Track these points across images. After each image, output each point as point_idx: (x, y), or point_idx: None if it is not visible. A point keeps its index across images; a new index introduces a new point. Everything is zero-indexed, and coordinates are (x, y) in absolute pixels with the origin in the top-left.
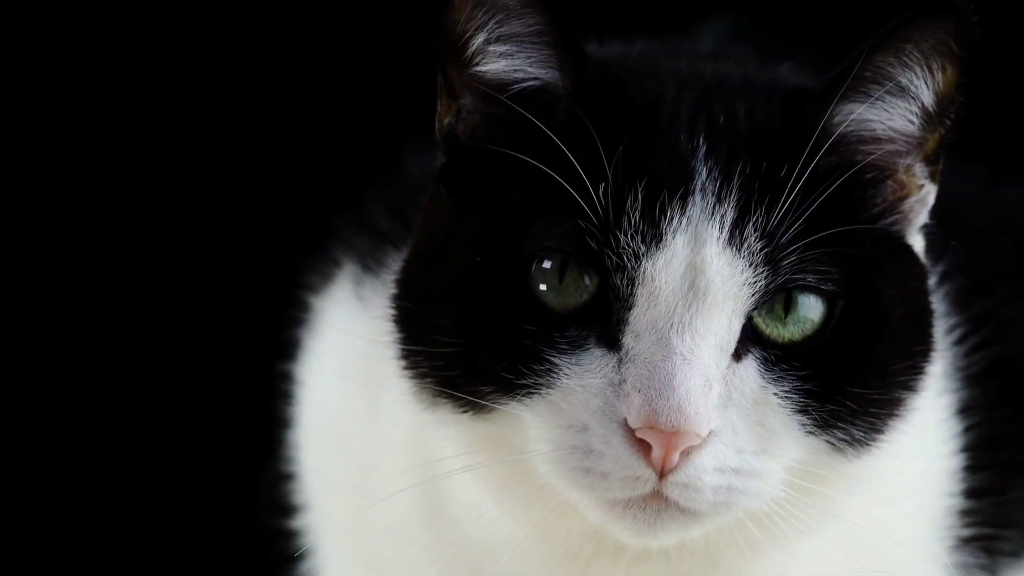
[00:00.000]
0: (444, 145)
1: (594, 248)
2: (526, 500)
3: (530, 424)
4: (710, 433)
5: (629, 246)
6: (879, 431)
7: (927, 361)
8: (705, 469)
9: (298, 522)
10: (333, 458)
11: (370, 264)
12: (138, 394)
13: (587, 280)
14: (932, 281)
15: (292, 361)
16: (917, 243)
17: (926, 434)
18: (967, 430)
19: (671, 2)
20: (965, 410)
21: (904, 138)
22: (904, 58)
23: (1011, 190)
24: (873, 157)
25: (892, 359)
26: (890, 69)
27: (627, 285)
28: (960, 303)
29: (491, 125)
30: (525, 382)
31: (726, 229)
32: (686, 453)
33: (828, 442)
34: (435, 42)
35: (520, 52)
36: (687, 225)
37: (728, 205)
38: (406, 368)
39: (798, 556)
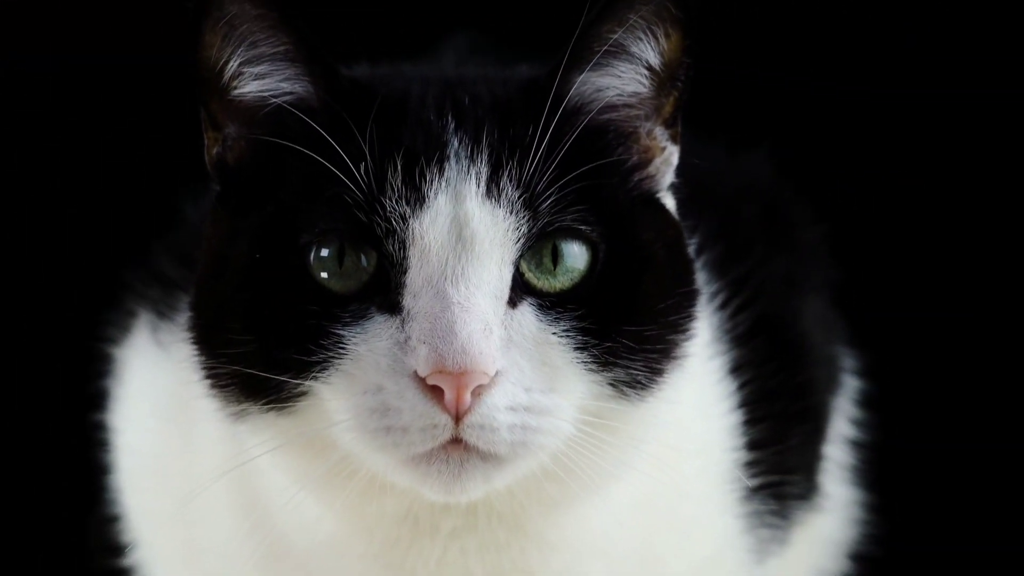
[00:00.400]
0: (215, 174)
1: (363, 220)
2: (340, 487)
3: (330, 401)
4: (497, 373)
5: (395, 210)
6: (657, 372)
7: (692, 305)
8: (497, 408)
9: (128, 560)
10: (154, 495)
11: (163, 311)
12: None
13: (364, 260)
14: (691, 250)
15: (103, 411)
16: (669, 202)
17: (704, 395)
18: (741, 387)
19: (409, 26)
20: (737, 368)
21: (639, 101)
22: (627, 25)
23: (750, 157)
24: (615, 118)
25: (659, 298)
26: (615, 36)
27: (399, 249)
28: (719, 269)
29: (256, 146)
30: (316, 359)
31: (483, 183)
32: (476, 394)
33: (611, 384)
34: (193, 80)
35: (273, 71)
36: (446, 185)
37: (481, 163)
38: (210, 384)
39: (596, 517)
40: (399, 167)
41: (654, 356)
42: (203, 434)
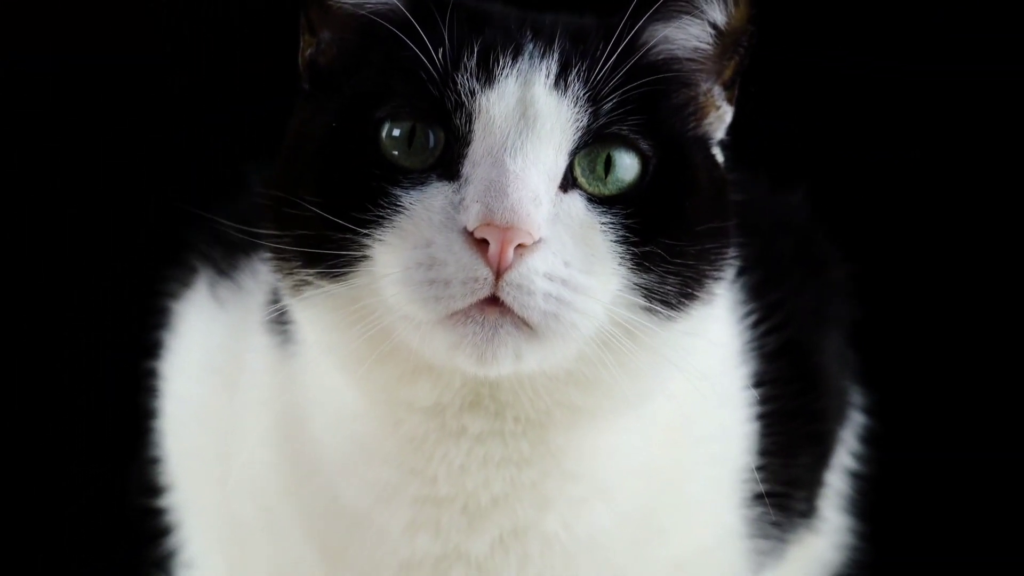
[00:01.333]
0: (306, 74)
1: (435, 94)
2: (378, 365)
3: (383, 258)
4: (540, 240)
5: (466, 84)
6: (686, 295)
7: (727, 242)
8: (536, 271)
9: (165, 501)
10: (195, 441)
11: (224, 269)
12: (26, 392)
13: (432, 139)
14: (733, 272)
15: (156, 359)
16: (719, 157)
17: (728, 394)
18: (763, 401)
19: None
20: (761, 384)
21: (702, 57)
22: None
23: (788, 197)
24: (679, 68)
25: (698, 221)
26: None
27: (465, 122)
28: (755, 292)
29: (347, 46)
30: (374, 216)
31: (552, 75)
32: (519, 254)
33: (643, 294)
34: None
35: None
36: (518, 72)
37: (552, 60)
38: (275, 256)
39: (610, 459)
40: (475, 51)
41: (686, 277)
42: (249, 367)
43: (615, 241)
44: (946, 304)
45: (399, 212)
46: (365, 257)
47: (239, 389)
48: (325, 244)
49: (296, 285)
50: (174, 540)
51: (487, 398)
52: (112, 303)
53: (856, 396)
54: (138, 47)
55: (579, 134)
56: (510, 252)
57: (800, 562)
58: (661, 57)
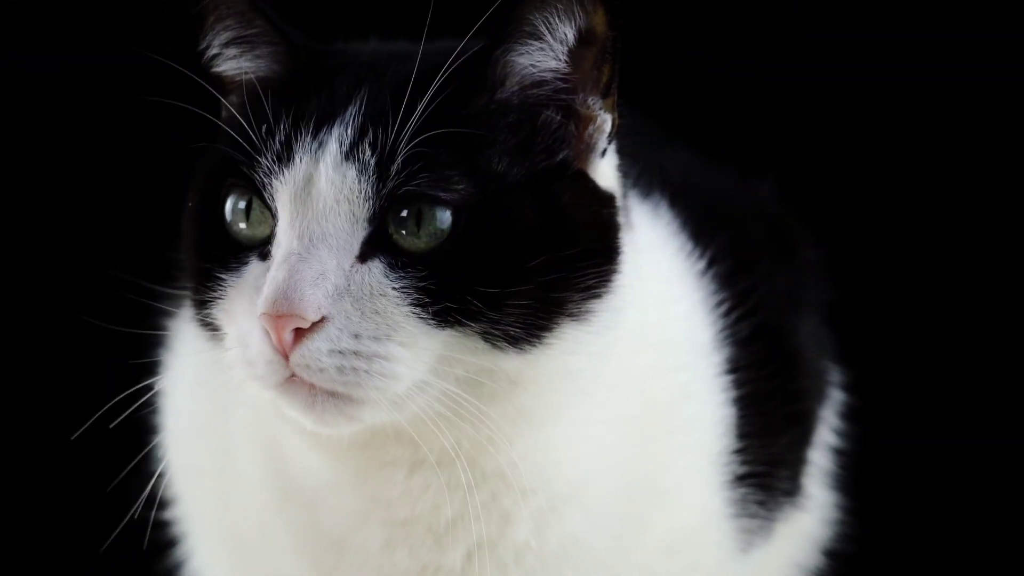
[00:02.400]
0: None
1: (246, 172)
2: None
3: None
4: (323, 319)
5: (267, 166)
6: (536, 329)
7: (583, 270)
8: (319, 351)
9: (169, 513)
10: (195, 454)
11: None
12: (25, 401)
13: (266, 214)
14: (702, 264)
15: (156, 377)
16: (604, 167)
17: (699, 383)
18: (739, 385)
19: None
20: (737, 369)
21: (564, 75)
22: (546, 8)
23: (756, 184)
24: (541, 96)
25: (525, 258)
26: (532, 19)
27: (271, 201)
28: (727, 281)
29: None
30: (208, 297)
31: (345, 145)
32: (300, 336)
33: (480, 337)
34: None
35: (241, 53)
36: (313, 146)
37: (352, 127)
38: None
39: (567, 463)
40: (284, 127)
41: (525, 314)
42: (239, 398)
43: (409, 303)
44: (918, 280)
45: (224, 296)
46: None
47: (231, 405)
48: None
49: (205, 336)
50: (180, 552)
51: (394, 432)
52: (112, 314)
53: (834, 374)
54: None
55: (373, 200)
56: (286, 337)
57: (788, 539)
58: (522, 87)
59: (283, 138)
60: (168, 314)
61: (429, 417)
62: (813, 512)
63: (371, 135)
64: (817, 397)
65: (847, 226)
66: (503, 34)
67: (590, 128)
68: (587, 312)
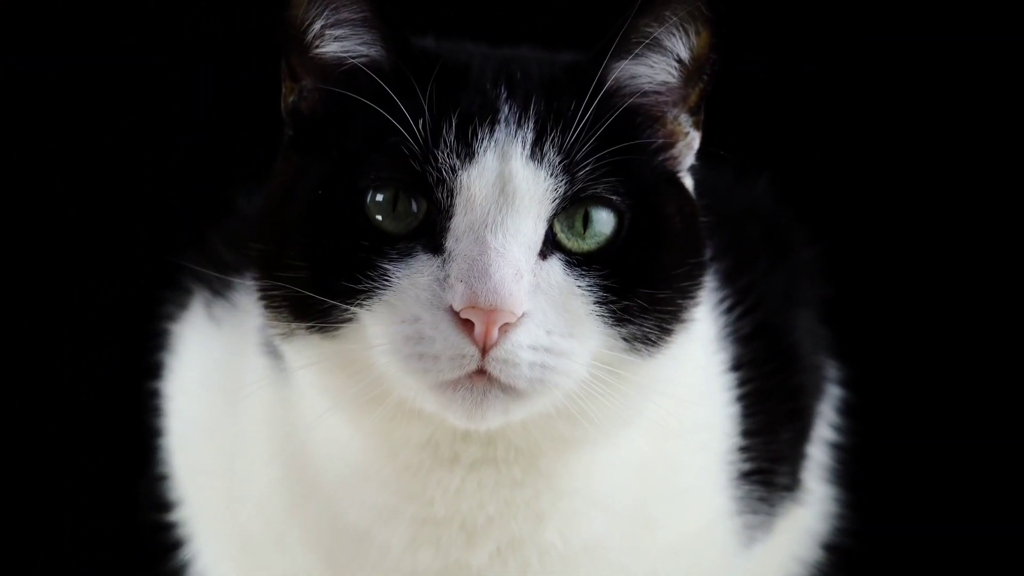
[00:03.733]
0: (290, 120)
1: (417, 169)
2: (371, 409)
3: (370, 327)
4: (523, 315)
5: (447, 161)
6: (666, 332)
7: (702, 274)
8: (521, 345)
9: (174, 516)
10: (200, 456)
11: (219, 289)
12: (28, 409)
13: (415, 206)
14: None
15: (158, 380)
16: (688, 182)
17: (708, 383)
18: (742, 383)
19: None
20: (739, 367)
21: (667, 90)
22: (664, 22)
23: (753, 185)
24: (646, 103)
25: (673, 265)
26: (651, 31)
27: (447, 197)
28: (727, 278)
29: (329, 98)
30: (363, 287)
31: (528, 145)
32: (503, 331)
33: (624, 338)
34: (278, 34)
35: (351, 35)
36: (495, 144)
37: (528, 128)
38: (266, 305)
39: (601, 471)
40: (453, 124)
41: (664, 317)
42: (250, 394)
43: (595, 303)
44: (913, 276)
45: (387, 287)
46: (354, 318)
47: (241, 405)
48: (313, 306)
49: (285, 332)
50: (185, 553)
51: (478, 431)
52: (111, 322)
53: (831, 370)
54: (138, 47)
55: (556, 201)
56: (495, 332)
57: (788, 533)
58: (629, 96)
59: (458, 133)
60: (169, 317)
61: (555, 412)
62: (812, 506)
63: (552, 136)
64: (815, 393)
65: (842, 224)
66: (621, 43)
67: (680, 144)
68: (691, 320)
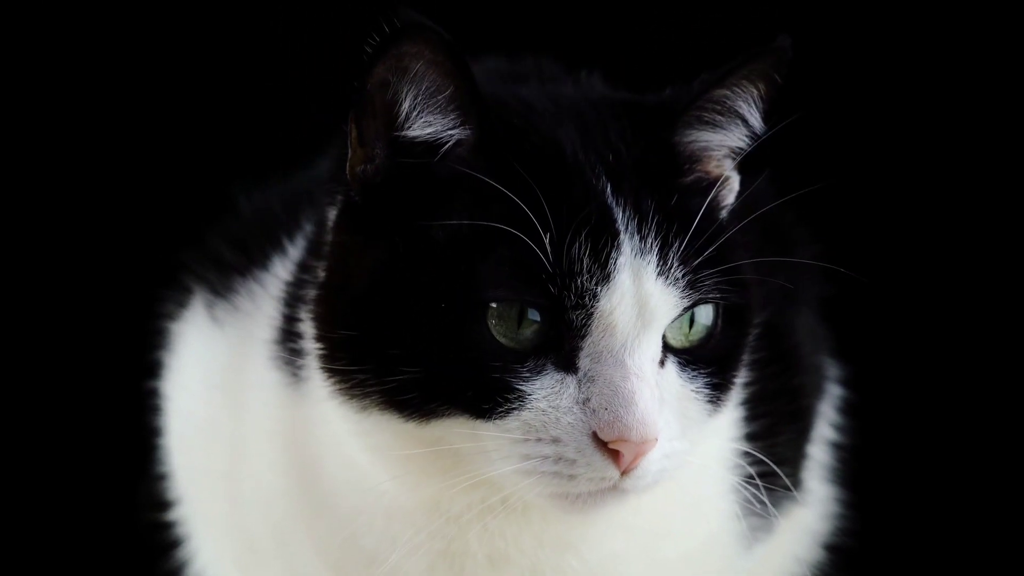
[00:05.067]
0: (359, 188)
1: (553, 293)
2: (434, 477)
3: (490, 437)
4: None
5: (586, 287)
6: (729, 395)
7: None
8: (653, 461)
9: (173, 515)
10: (200, 454)
11: (220, 290)
12: (27, 412)
13: (540, 318)
14: None
15: (157, 379)
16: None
17: None
18: (745, 386)
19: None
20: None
21: (735, 151)
22: (739, 91)
23: (754, 181)
24: (714, 168)
25: (749, 336)
26: (728, 101)
27: (582, 319)
28: None
29: (413, 174)
30: (500, 409)
31: (657, 262)
32: (644, 452)
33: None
34: (353, 99)
35: (441, 117)
36: (625, 263)
37: (652, 240)
38: (345, 387)
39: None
40: (585, 241)
41: (736, 384)
42: (253, 400)
43: (706, 401)
44: (913, 275)
45: (523, 408)
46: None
47: (244, 410)
48: (420, 405)
49: (358, 405)
50: (183, 552)
51: None
52: (111, 323)
53: (832, 369)
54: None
55: (678, 312)
56: (640, 460)
57: (788, 533)
58: (697, 160)
59: (592, 252)
60: (169, 316)
61: None
62: (812, 507)
63: (675, 246)
64: (816, 393)
65: (842, 222)
66: (692, 114)
67: (725, 189)
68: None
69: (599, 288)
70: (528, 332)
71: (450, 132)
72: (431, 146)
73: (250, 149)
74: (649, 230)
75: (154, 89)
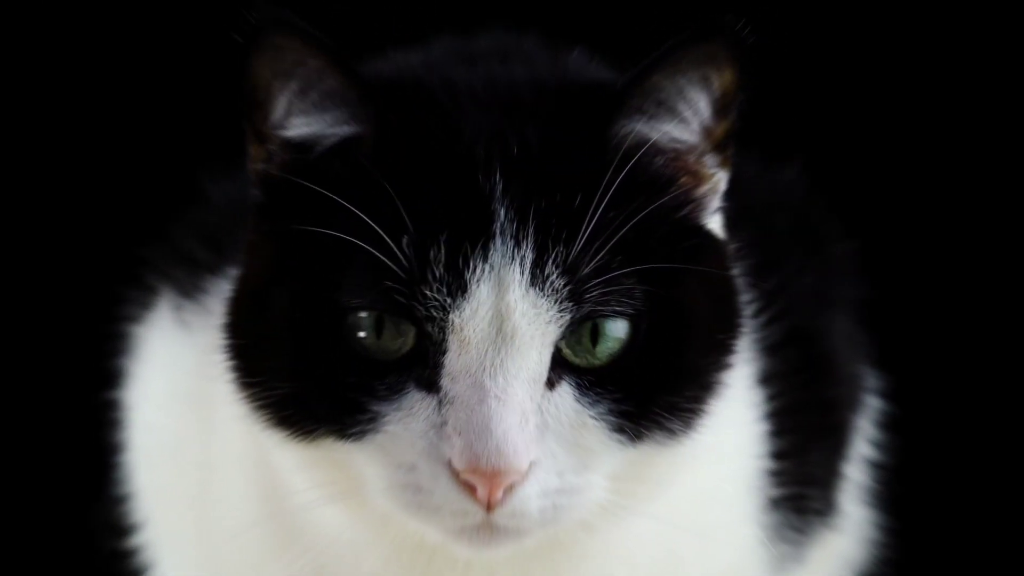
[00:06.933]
0: (260, 186)
1: (403, 302)
2: (361, 509)
3: (363, 459)
4: (531, 465)
5: (436, 299)
6: (698, 417)
7: (736, 339)
8: (529, 497)
9: (136, 540)
10: (167, 474)
11: (189, 290)
12: None
13: (402, 333)
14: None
15: (117, 389)
16: (715, 224)
17: (734, 403)
18: (770, 398)
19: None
20: (767, 379)
21: (688, 142)
22: (680, 75)
23: (779, 173)
24: (662, 161)
25: (701, 357)
26: (668, 85)
27: (439, 332)
28: (752, 280)
29: (302, 167)
30: (353, 429)
31: (527, 271)
32: (509, 488)
33: (646, 449)
34: (240, 99)
35: (322, 114)
36: (490, 272)
37: (527, 247)
38: (243, 397)
39: (628, 527)
40: (442, 249)
41: (692, 411)
42: (223, 416)
43: (611, 430)
44: (962, 274)
45: (378, 430)
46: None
47: (213, 426)
48: (297, 424)
49: (263, 427)
50: None
51: None
52: (64, 327)
53: (870, 380)
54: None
55: (562, 328)
56: (499, 494)
57: (822, 563)
58: (642, 161)
59: (446, 261)
60: (131, 319)
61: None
62: (849, 532)
63: (554, 254)
64: (851, 405)
65: (883, 215)
66: (628, 103)
67: (704, 187)
68: (725, 386)
69: (452, 300)
70: (394, 345)
71: (331, 130)
72: (313, 144)
73: (219, 132)
74: (527, 234)
75: (109, 66)
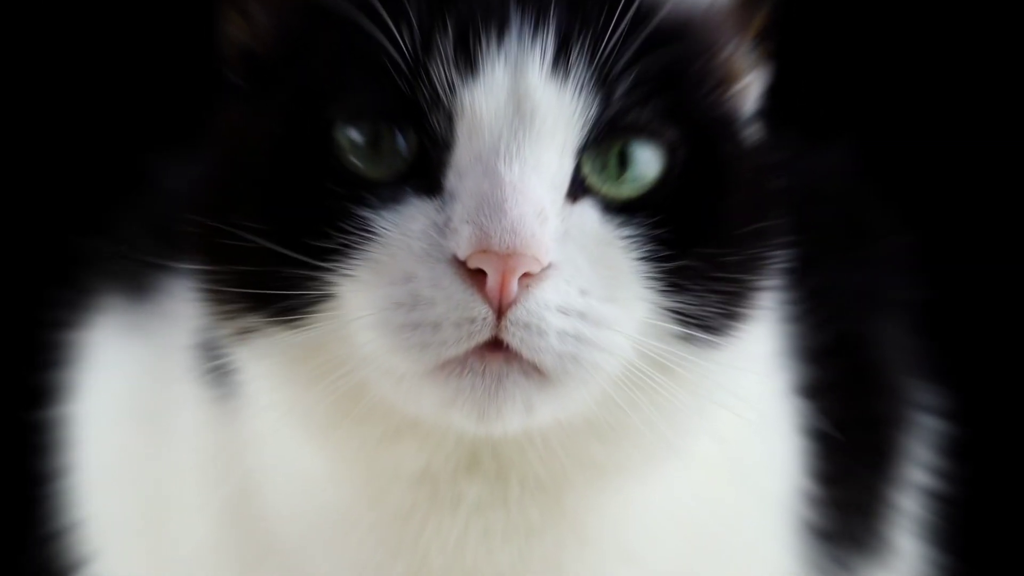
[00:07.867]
0: (241, 67)
1: (404, 89)
2: (352, 428)
3: (350, 297)
4: (550, 266)
5: (443, 76)
6: (729, 315)
7: (775, 244)
8: (547, 306)
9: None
10: (119, 497)
11: (136, 289)
12: None
13: (402, 141)
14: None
15: (54, 405)
16: (754, 131)
17: (768, 410)
18: (809, 411)
19: None
20: (805, 389)
21: (722, 13)
22: None
23: (818, 158)
24: (694, 28)
25: (739, 220)
26: None
27: (445, 123)
28: (792, 279)
29: (291, 34)
30: (336, 244)
31: (549, 56)
32: (524, 284)
33: (678, 316)
34: None
35: None
36: (505, 56)
37: (547, 35)
38: (211, 297)
39: (634, 517)
40: (450, 31)
41: (728, 292)
42: (183, 422)
43: (640, 258)
44: None
45: (369, 239)
46: (328, 296)
47: (166, 439)
48: (275, 283)
49: (239, 332)
50: None
51: (487, 459)
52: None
53: (924, 395)
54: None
55: (587, 128)
56: (514, 284)
57: None
58: (674, 18)
59: (456, 41)
60: (69, 324)
61: (586, 424)
62: (898, 569)
63: (580, 45)
64: (899, 423)
65: (944, 204)
66: None
67: (739, 83)
68: (764, 308)
69: (462, 79)
70: (388, 154)
71: None
72: None
73: (167, 110)
74: (547, 26)
75: (46, 43)
